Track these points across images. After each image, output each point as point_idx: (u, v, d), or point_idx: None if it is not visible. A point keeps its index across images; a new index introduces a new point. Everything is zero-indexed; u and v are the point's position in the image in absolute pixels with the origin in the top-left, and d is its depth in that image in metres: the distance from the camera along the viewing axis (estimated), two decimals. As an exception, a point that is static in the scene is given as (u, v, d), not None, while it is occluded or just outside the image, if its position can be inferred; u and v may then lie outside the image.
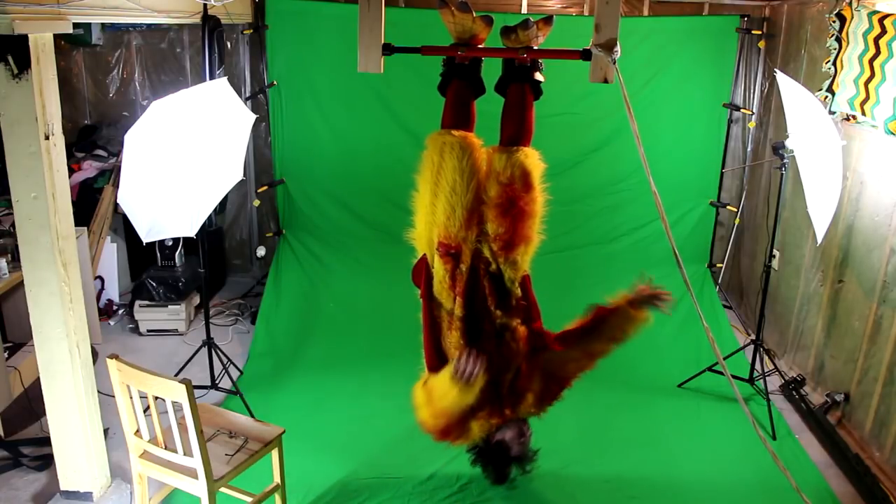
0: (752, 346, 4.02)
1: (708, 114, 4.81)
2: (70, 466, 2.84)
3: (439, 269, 2.29)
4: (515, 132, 2.36)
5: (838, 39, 3.60)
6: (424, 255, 2.37)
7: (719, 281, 5.19)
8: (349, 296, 4.71)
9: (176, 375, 2.67)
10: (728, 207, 5.01)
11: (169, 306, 4.52)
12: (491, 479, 2.50)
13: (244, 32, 4.91)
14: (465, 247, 2.27)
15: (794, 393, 3.93)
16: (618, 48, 2.15)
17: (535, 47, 2.33)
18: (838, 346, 3.72)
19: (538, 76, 2.40)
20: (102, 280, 4.73)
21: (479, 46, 2.40)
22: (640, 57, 4.60)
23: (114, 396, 2.45)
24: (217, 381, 3.78)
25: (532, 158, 2.32)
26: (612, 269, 4.68)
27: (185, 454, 2.38)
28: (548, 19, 2.31)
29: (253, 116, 3.53)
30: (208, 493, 2.37)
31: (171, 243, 4.63)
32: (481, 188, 2.29)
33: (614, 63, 2.14)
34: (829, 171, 3.25)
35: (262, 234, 5.40)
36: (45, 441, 3.02)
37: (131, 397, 2.44)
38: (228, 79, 3.55)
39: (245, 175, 3.73)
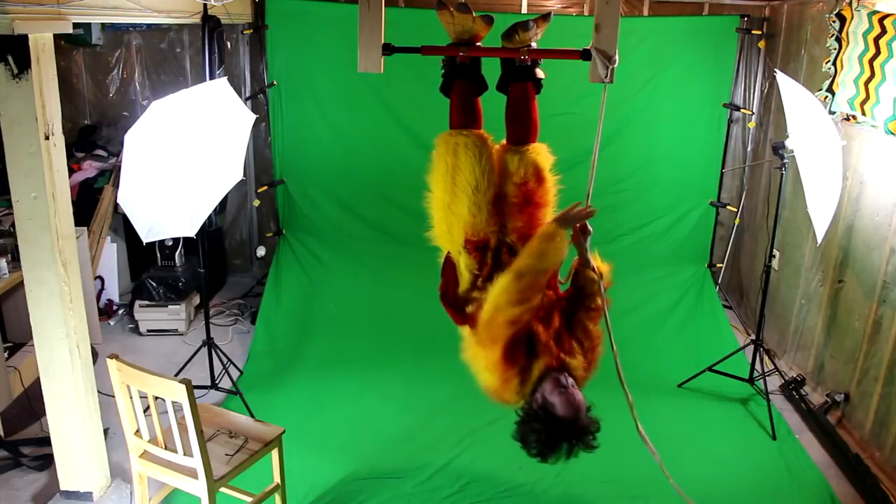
0: (752, 346, 4.02)
1: (708, 114, 4.81)
2: (70, 466, 2.84)
3: (472, 264, 2.26)
4: (523, 130, 2.37)
5: (838, 39, 3.60)
6: (449, 252, 2.36)
7: (719, 281, 5.19)
8: (349, 296, 4.71)
9: (176, 375, 2.67)
10: (728, 207, 5.01)
11: (169, 306, 4.52)
12: (532, 450, 2.13)
13: (244, 32, 4.91)
14: (491, 238, 2.28)
15: (794, 393, 3.93)
16: (616, 58, 2.15)
17: (534, 44, 2.34)
18: (838, 346, 3.72)
19: (539, 73, 2.41)
20: (102, 280, 4.73)
21: (480, 45, 2.40)
22: (640, 57, 4.60)
23: (114, 396, 2.45)
24: (217, 381, 3.78)
25: (543, 154, 2.35)
26: (612, 269, 4.68)
27: (185, 454, 2.37)
28: (545, 16, 2.32)
29: (253, 116, 3.53)
30: (208, 493, 2.37)
31: (171, 243, 4.63)
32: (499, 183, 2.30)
33: (612, 75, 2.15)
34: (829, 171, 3.25)
35: (262, 234, 5.40)
36: (45, 441, 3.02)
37: (131, 397, 2.44)
38: (228, 79, 3.55)
39: (245, 175, 3.73)
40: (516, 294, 2.04)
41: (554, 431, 2.09)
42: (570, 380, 2.15)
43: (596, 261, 2.30)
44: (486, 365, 2.12)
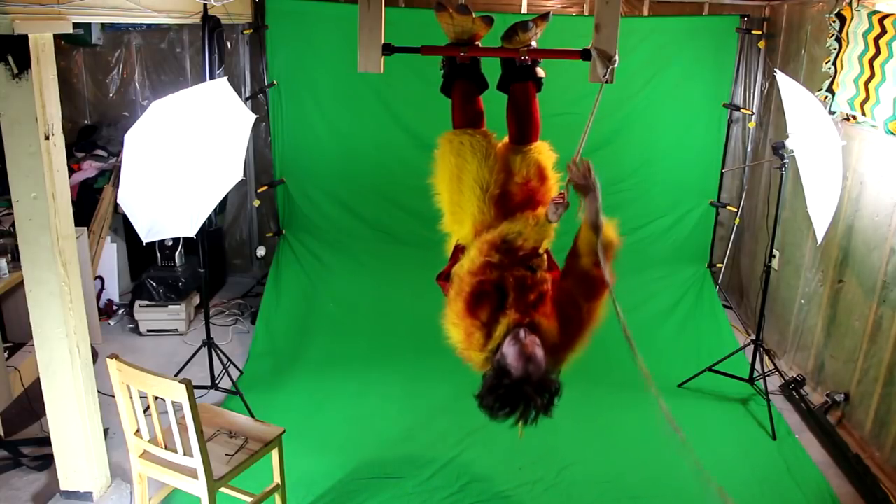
0: (752, 346, 4.02)
1: (708, 114, 4.81)
2: (70, 466, 2.84)
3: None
4: (525, 129, 2.38)
5: (838, 39, 3.60)
6: (457, 242, 2.36)
7: (719, 281, 5.19)
8: (349, 296, 4.71)
9: (176, 375, 2.67)
10: (728, 207, 5.01)
11: (169, 306, 4.52)
12: (483, 403, 2.01)
13: (244, 32, 4.91)
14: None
15: (794, 393, 3.93)
16: (616, 58, 2.15)
17: (534, 43, 2.34)
18: (838, 346, 3.72)
19: (539, 71, 2.41)
20: (102, 280, 4.73)
21: (479, 46, 2.40)
22: (640, 57, 4.60)
23: (114, 396, 2.45)
24: (217, 381, 3.78)
25: (545, 153, 2.36)
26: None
27: (185, 454, 2.38)
28: (544, 15, 2.32)
29: (253, 116, 3.53)
30: (208, 493, 2.37)
31: (171, 243, 4.62)
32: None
33: (611, 75, 2.15)
34: (829, 171, 3.25)
35: (262, 234, 5.40)
36: (45, 441, 3.02)
37: (131, 397, 2.44)
38: (228, 79, 3.55)
39: (245, 175, 3.73)
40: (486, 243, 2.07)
41: (503, 383, 1.95)
42: (533, 336, 2.02)
43: (609, 230, 2.16)
44: (452, 319, 2.08)
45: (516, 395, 1.94)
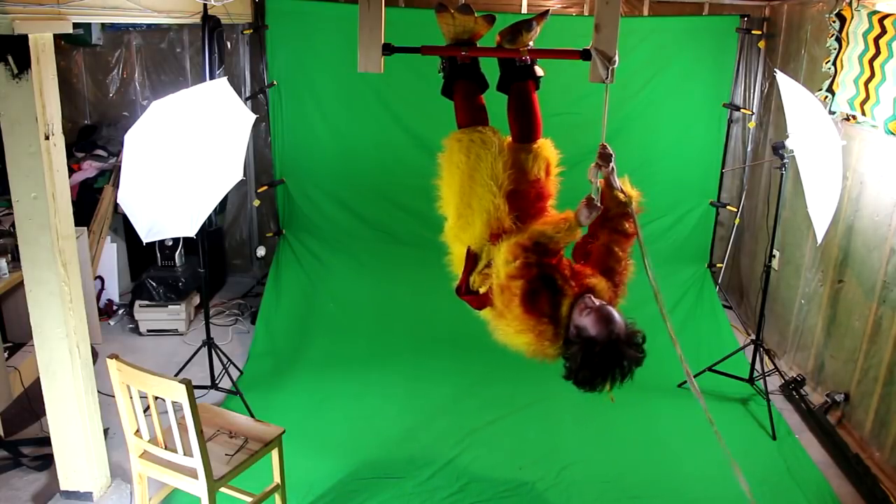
0: (752, 346, 4.02)
1: (708, 114, 4.81)
2: (70, 466, 2.84)
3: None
4: (529, 127, 2.40)
5: (838, 39, 3.60)
6: (468, 248, 2.35)
7: (719, 281, 5.19)
8: (349, 296, 4.71)
9: (176, 375, 2.67)
10: (728, 207, 5.01)
11: (169, 306, 4.52)
12: (583, 381, 2.10)
13: (244, 32, 4.91)
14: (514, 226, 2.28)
15: (794, 393, 3.93)
16: (616, 58, 2.15)
17: (532, 42, 2.35)
18: (838, 346, 3.72)
19: (538, 70, 2.42)
20: (102, 280, 4.73)
21: (479, 46, 2.40)
22: (640, 57, 4.60)
23: (114, 396, 2.45)
24: (217, 381, 3.78)
25: (549, 149, 2.40)
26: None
27: (185, 454, 2.38)
28: (543, 14, 2.33)
29: (253, 116, 3.53)
30: (208, 493, 2.38)
31: (171, 243, 4.63)
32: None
33: (611, 75, 2.15)
34: (829, 171, 3.25)
35: (262, 234, 5.40)
36: (45, 441, 3.02)
37: (131, 397, 2.44)
38: (228, 79, 3.55)
39: (245, 175, 3.73)
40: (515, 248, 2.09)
41: (595, 353, 2.03)
42: (597, 300, 2.12)
43: (626, 186, 2.33)
44: (515, 329, 2.10)
45: (611, 357, 2.04)
